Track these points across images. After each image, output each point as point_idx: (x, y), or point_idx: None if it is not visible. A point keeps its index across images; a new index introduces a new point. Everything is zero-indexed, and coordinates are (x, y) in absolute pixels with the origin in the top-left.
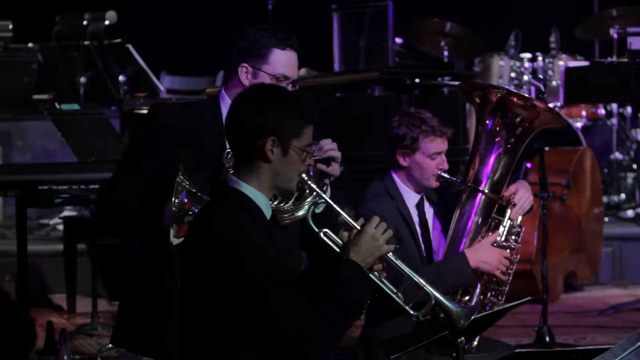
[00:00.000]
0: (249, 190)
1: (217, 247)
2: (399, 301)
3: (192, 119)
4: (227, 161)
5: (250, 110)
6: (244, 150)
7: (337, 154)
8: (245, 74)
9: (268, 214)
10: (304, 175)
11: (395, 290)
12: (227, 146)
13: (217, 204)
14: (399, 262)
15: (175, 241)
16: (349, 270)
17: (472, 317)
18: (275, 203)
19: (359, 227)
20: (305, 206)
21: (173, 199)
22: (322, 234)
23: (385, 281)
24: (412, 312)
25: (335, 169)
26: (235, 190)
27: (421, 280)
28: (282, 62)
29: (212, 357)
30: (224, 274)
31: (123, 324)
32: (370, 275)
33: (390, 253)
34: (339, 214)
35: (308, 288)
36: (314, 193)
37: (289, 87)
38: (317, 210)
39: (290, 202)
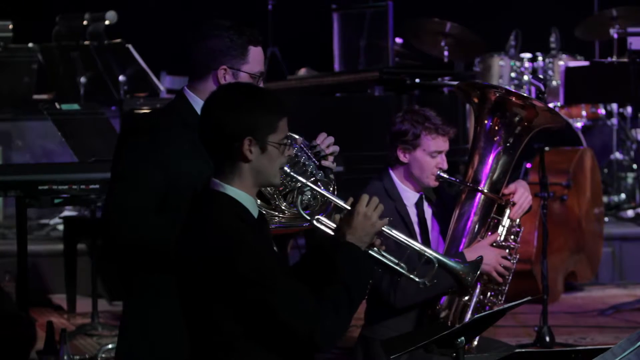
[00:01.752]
0: (233, 191)
1: (211, 254)
2: (403, 271)
3: (177, 127)
4: None
5: (222, 113)
6: (222, 153)
7: (337, 148)
8: (224, 76)
9: (255, 212)
10: (286, 167)
11: (397, 261)
12: None
13: (205, 209)
14: (394, 233)
15: None
16: (348, 253)
17: (479, 270)
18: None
19: (349, 208)
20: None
21: None
22: (315, 221)
23: (385, 254)
24: (417, 279)
25: (333, 163)
26: (219, 194)
27: (421, 246)
28: (258, 60)
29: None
30: (223, 279)
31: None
32: (370, 251)
33: (385, 226)
34: (327, 198)
35: (307, 276)
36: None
37: (261, 82)
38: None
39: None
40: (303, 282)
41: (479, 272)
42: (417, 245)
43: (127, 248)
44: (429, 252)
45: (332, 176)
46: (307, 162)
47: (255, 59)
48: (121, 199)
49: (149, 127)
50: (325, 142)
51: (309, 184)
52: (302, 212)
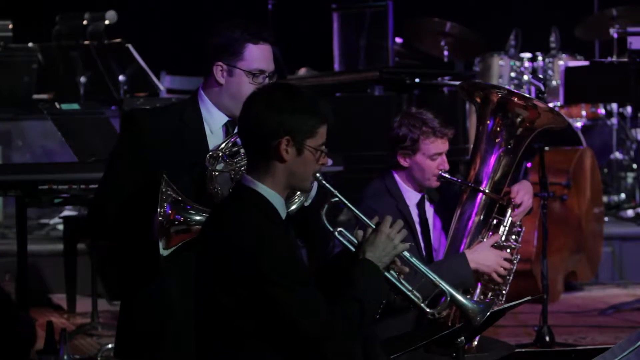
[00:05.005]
0: (264, 189)
1: (235, 249)
2: (415, 299)
3: (173, 122)
4: (210, 164)
5: (264, 110)
6: (258, 150)
7: None
8: (220, 72)
9: (283, 213)
10: (318, 174)
11: (411, 289)
12: (209, 148)
13: (233, 203)
14: (413, 260)
15: (165, 253)
16: (366, 269)
17: (489, 312)
18: None
19: (373, 226)
20: (296, 202)
21: (158, 210)
22: (336, 233)
23: (402, 280)
24: (428, 309)
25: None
26: (250, 190)
27: (436, 277)
28: (257, 57)
29: (231, 357)
30: (243, 275)
31: (123, 336)
32: (387, 274)
33: (405, 251)
34: (354, 212)
35: (322, 286)
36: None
37: (265, 81)
38: (306, 204)
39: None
40: (320, 291)
41: (489, 314)
42: (433, 275)
43: (102, 220)
44: (444, 285)
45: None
46: None
47: (253, 57)
48: (107, 185)
49: (137, 121)
50: None
51: (340, 197)
52: (326, 223)
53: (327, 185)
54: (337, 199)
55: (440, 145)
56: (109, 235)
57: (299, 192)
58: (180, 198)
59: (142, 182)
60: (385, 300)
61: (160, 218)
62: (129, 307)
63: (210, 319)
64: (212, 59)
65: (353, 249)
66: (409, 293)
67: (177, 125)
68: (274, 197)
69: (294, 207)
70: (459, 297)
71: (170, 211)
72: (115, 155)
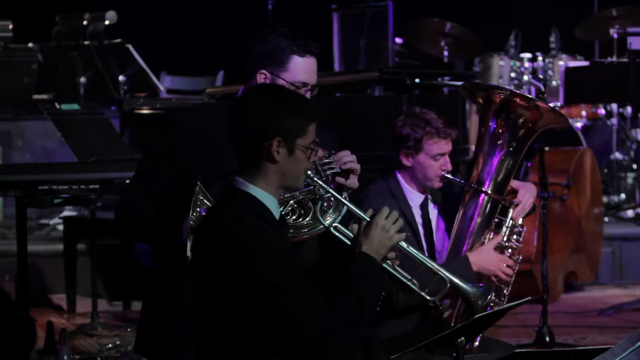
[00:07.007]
0: (257, 191)
1: (230, 251)
2: (415, 288)
3: (209, 125)
4: None
5: (253, 112)
6: (250, 152)
7: (357, 166)
8: (263, 81)
9: (276, 214)
10: (309, 172)
11: (409, 277)
12: None
13: (226, 206)
14: (410, 250)
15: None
16: (363, 263)
17: (490, 295)
18: (293, 218)
19: (368, 219)
20: (328, 219)
21: (191, 213)
22: (332, 229)
23: (399, 269)
24: (428, 297)
25: (353, 181)
26: (242, 192)
27: (435, 265)
28: (301, 70)
29: (230, 359)
30: (240, 277)
31: (144, 332)
32: (384, 265)
33: (402, 241)
34: (348, 207)
35: (321, 283)
36: (333, 211)
37: (307, 94)
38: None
39: (309, 217)
40: (318, 288)
41: (490, 297)
42: (431, 263)
43: (129, 216)
44: (443, 272)
45: (344, 194)
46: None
47: (297, 69)
48: (139, 182)
49: (174, 125)
50: (343, 159)
51: (332, 192)
52: (320, 218)
53: (318, 181)
54: (329, 194)
55: (443, 146)
56: (135, 233)
57: (331, 210)
58: (211, 204)
59: (174, 183)
60: (384, 292)
61: (191, 222)
62: (152, 306)
63: (208, 321)
64: (256, 65)
65: (349, 243)
66: (408, 282)
67: (213, 129)
68: (267, 198)
69: (323, 225)
70: (459, 282)
71: (204, 214)
72: (150, 154)
